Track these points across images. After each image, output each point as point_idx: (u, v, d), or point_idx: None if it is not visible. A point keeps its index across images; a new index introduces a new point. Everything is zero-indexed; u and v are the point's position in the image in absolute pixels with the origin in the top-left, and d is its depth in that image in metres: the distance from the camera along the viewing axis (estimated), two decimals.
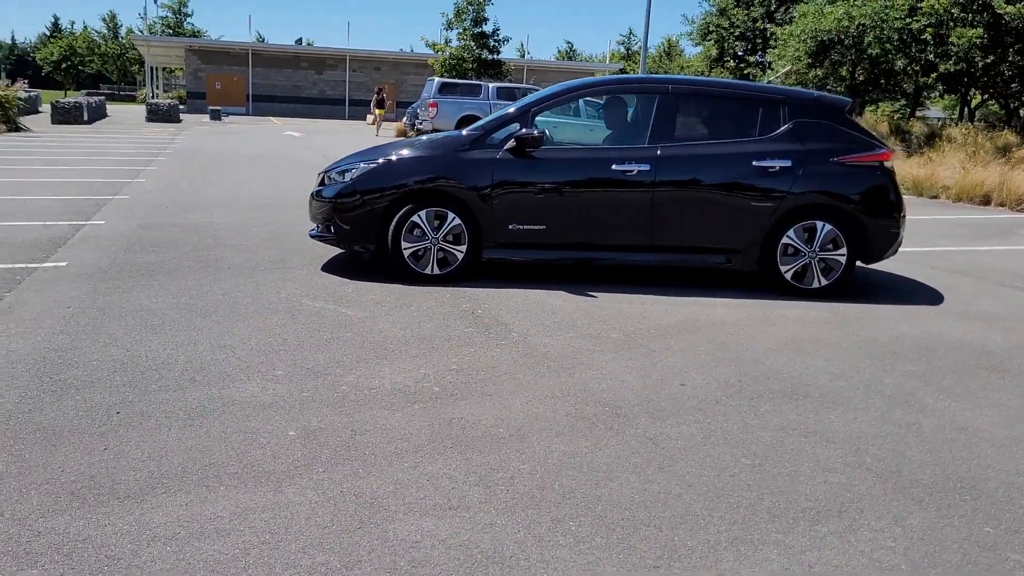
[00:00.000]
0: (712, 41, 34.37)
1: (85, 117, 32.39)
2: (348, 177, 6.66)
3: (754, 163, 6.54)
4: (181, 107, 44.77)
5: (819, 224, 6.51)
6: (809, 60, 22.87)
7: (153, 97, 54.22)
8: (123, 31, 74.36)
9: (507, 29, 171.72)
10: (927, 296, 6.93)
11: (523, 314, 5.74)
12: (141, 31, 62.61)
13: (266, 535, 2.77)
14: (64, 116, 31.71)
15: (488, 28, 37.08)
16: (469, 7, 36.62)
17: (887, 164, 6.78)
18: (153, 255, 7.22)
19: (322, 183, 6.93)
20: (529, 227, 6.53)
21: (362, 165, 6.67)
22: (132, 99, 68.20)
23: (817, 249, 6.54)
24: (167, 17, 69.37)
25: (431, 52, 39.90)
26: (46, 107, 35.98)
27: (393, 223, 6.44)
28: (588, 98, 7.61)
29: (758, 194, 6.53)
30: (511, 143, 6.48)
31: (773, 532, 2.95)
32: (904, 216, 6.79)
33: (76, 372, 4.23)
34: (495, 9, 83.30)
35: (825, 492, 3.26)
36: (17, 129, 25.54)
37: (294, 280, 6.47)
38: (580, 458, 3.47)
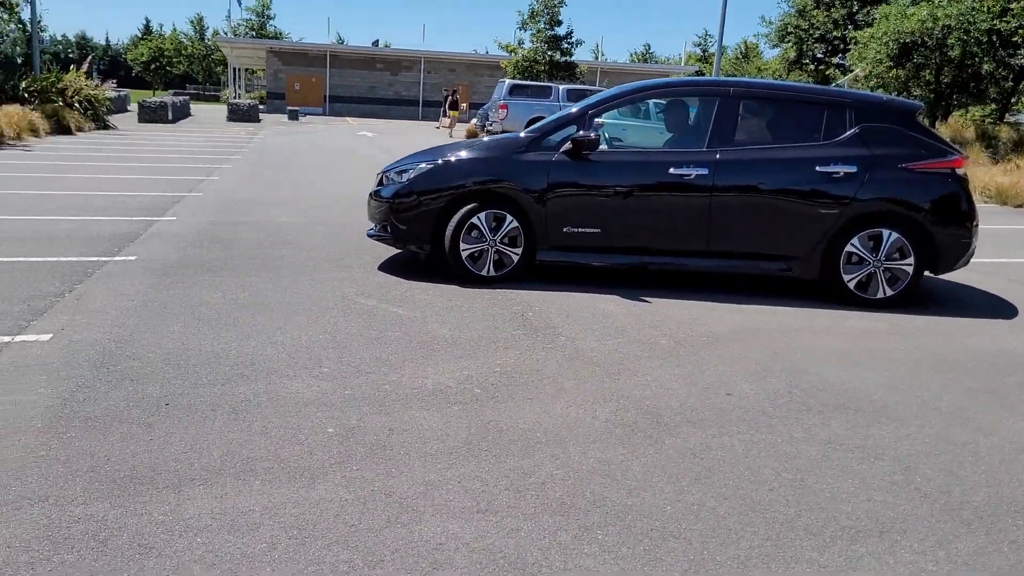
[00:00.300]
0: (790, 43, 33.64)
1: (169, 116, 33.51)
2: (405, 177, 6.71)
3: (817, 168, 6.36)
4: (261, 107, 45.90)
5: (885, 232, 6.30)
6: (890, 63, 22.16)
7: (236, 97, 55.77)
8: (209, 33, 76.65)
9: (582, 31, 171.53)
10: (1001, 310, 6.64)
11: (573, 318, 5.70)
12: (226, 33, 64.44)
13: (294, 531, 2.80)
14: (150, 115, 32.89)
15: (562, 31, 37.04)
16: (544, 10, 36.64)
17: (959, 171, 6.51)
18: (218, 251, 7.40)
19: (380, 183, 6.99)
20: (584, 230, 6.49)
21: (421, 166, 6.71)
22: (216, 99, 70.27)
23: (883, 258, 6.33)
24: (251, 20, 71.26)
25: (505, 54, 40.06)
26: (134, 106, 37.29)
27: (452, 224, 6.45)
28: (653, 100, 7.48)
29: (821, 200, 6.34)
30: (567, 145, 6.45)
31: (808, 550, 2.85)
32: (977, 225, 6.51)
33: (132, 364, 4.36)
34: (569, 11, 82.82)
35: (867, 511, 3.15)
36: (105, 127, 26.57)
37: (350, 279, 6.56)
38: (615, 466, 3.43)
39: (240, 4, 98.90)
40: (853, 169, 6.33)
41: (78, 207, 9.52)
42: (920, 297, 6.78)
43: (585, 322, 5.61)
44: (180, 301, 5.65)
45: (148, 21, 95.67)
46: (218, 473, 3.18)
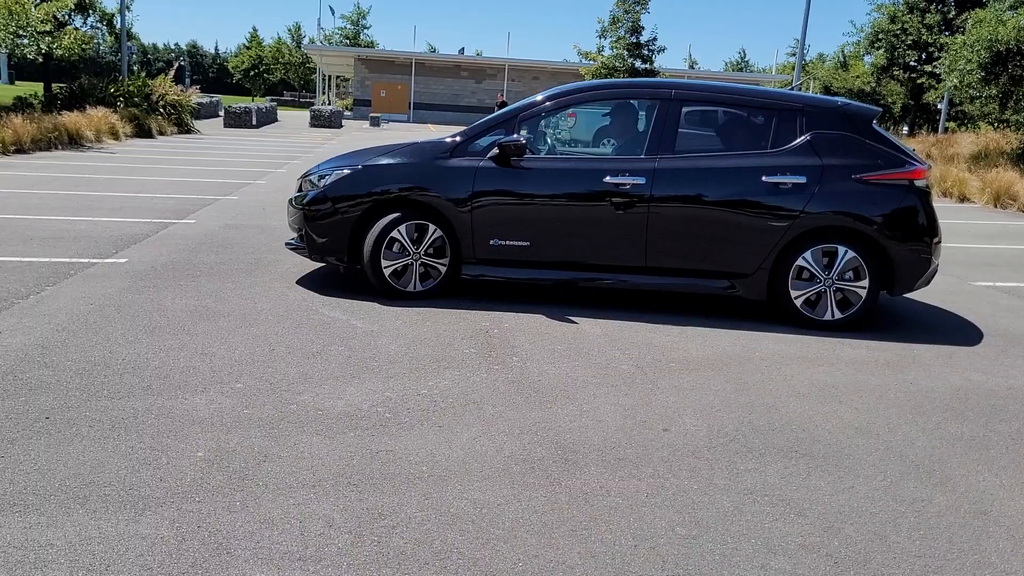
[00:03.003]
0: (881, 50, 32.08)
1: (253, 121, 34.42)
2: (323, 183, 6.25)
3: (764, 178, 5.80)
4: (348, 113, 46.78)
5: (841, 249, 5.74)
6: (982, 74, 20.76)
7: (328, 103, 57.00)
8: (306, 41, 78.67)
9: (673, 38, 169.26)
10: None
11: (540, 337, 5.32)
12: (322, 42, 66.02)
13: (80, 571, 2.54)
14: (234, 120, 33.89)
15: (644, 37, 36.39)
16: (625, 16, 36.08)
17: (919, 182, 5.89)
18: (213, 255, 7.30)
19: (300, 188, 6.52)
20: (512, 243, 6.01)
21: (339, 171, 6.22)
22: (311, 105, 72.07)
23: (835, 277, 5.77)
24: (345, 28, 72.84)
25: (586, 62, 39.64)
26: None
27: (371, 236, 5.96)
28: (591, 103, 6.95)
29: (767, 213, 5.79)
30: (494, 151, 5.99)
31: None
32: (939, 242, 5.91)
33: (43, 372, 4.21)
34: (654, 18, 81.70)
35: None
36: (188, 131, 27.40)
37: (331, 286, 6.33)
38: (487, 510, 3.05)
39: (333, 13, 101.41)
40: (802, 180, 5.77)
41: (107, 208, 9.62)
42: (932, 324, 6.13)
43: (550, 343, 5.23)
44: (139, 307, 5.52)
45: (255, 30, 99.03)
46: (46, 499, 2.95)
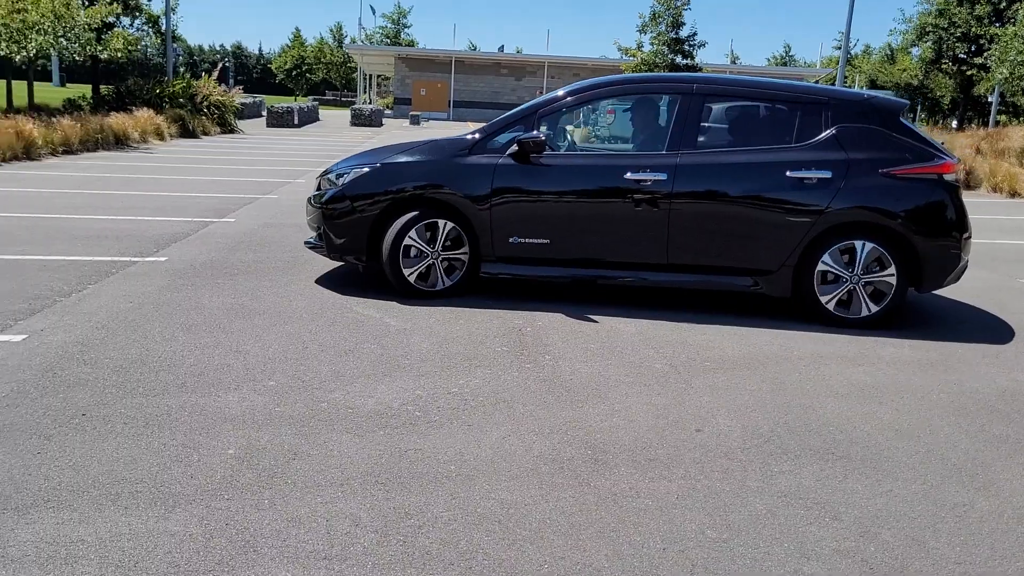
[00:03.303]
0: (929, 42, 31.39)
1: (296, 121, 34.79)
2: (342, 181, 6.17)
3: (788, 173, 5.69)
4: (388, 112, 47.06)
5: (858, 244, 5.63)
6: None
7: (369, 102, 57.41)
8: (347, 41, 79.29)
9: (714, 33, 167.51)
10: None
11: (573, 336, 5.28)
12: (363, 41, 66.50)
13: (110, 568, 2.56)
14: (277, 120, 34.28)
15: (684, 32, 36.06)
16: (666, 12, 35.77)
17: (948, 177, 5.75)
18: (251, 254, 7.38)
19: (319, 187, 6.45)
20: (531, 240, 5.94)
21: (358, 169, 6.15)
22: (352, 104, 72.68)
23: (860, 272, 5.65)
24: (386, 27, 73.30)
25: (627, 58, 39.40)
26: None
27: (390, 235, 5.90)
28: (611, 99, 6.80)
29: (791, 208, 5.68)
30: (513, 148, 5.90)
31: None
32: (968, 237, 5.76)
33: (82, 369, 4.28)
34: (696, 13, 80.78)
35: None
36: (231, 131, 27.78)
37: (366, 285, 6.35)
38: (514, 510, 3.03)
39: (374, 12, 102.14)
40: (827, 175, 5.65)
41: (150, 207, 9.78)
42: (978, 323, 5.97)
43: (583, 341, 5.18)
44: (176, 305, 5.59)
45: (298, 30, 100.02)
46: (79, 495, 2.99)
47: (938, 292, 6.51)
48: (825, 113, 5.82)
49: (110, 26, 26.86)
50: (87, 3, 23.70)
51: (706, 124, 6.01)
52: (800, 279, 5.75)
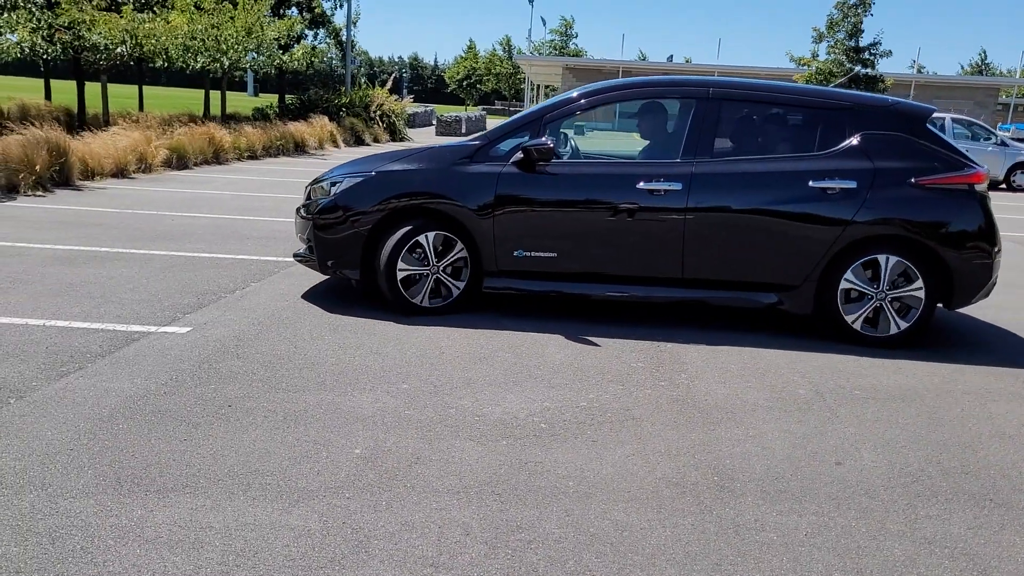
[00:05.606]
0: None
1: (463, 130, 35.86)
2: (334, 190, 5.85)
3: (811, 183, 5.34)
4: None
5: (882, 258, 5.28)
6: None
7: None
8: (516, 52, 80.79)
9: (899, 41, 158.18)
10: None
11: (712, 355, 5.11)
12: (531, 52, 67.53)
13: (231, 556, 2.68)
14: (445, 128, 35.57)
15: (864, 40, 34.30)
16: (844, 19, 34.16)
17: (978, 187, 5.30)
18: None
19: (308, 196, 6.17)
20: (537, 254, 5.63)
21: (351, 178, 5.83)
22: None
23: (886, 288, 5.28)
24: (554, 40, 74.09)
25: (801, 67, 37.93)
26: None
27: (386, 248, 5.59)
28: (622, 103, 6.20)
29: (814, 221, 5.33)
30: (518, 155, 5.57)
31: None
32: (999, 251, 5.30)
33: (234, 363, 4.54)
34: (879, 21, 76.64)
35: None
36: (401, 139, 28.91)
37: (507, 295, 6.39)
38: (629, 534, 2.94)
39: (544, 24, 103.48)
40: (852, 185, 5.29)
41: None
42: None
43: (723, 361, 5.00)
44: (328, 305, 5.84)
45: (471, 42, 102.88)
46: (214, 483, 3.16)
47: None
48: (848, 119, 5.52)
49: (298, 39, 28.54)
50: (276, 17, 25.32)
51: (723, 131, 5.68)
52: (821, 294, 5.44)
